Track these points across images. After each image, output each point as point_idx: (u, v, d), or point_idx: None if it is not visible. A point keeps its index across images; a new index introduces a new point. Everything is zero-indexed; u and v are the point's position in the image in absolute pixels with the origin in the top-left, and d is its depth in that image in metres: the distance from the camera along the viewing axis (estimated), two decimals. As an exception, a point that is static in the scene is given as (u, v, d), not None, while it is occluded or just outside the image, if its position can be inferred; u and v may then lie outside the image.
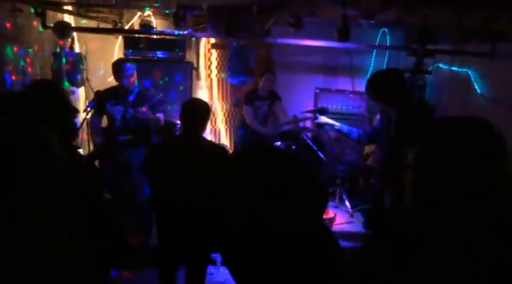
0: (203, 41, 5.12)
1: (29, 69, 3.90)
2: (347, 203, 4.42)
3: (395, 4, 3.02)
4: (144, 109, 3.52)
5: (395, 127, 2.59)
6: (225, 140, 5.43)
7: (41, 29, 3.94)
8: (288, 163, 1.04)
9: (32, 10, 3.78)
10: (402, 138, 2.52)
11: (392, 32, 5.06)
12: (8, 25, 3.52)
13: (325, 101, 5.08)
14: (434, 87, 4.56)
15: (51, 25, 3.89)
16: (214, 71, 5.28)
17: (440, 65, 4.42)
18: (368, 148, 4.95)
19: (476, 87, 3.90)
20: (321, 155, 4.26)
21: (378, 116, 4.76)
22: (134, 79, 3.73)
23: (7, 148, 1.04)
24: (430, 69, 4.35)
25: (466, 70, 4.03)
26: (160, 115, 3.79)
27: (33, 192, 1.09)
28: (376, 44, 5.11)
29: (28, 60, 3.88)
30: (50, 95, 1.92)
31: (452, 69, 4.21)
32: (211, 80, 5.31)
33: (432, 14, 3.55)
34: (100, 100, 3.57)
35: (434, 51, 3.84)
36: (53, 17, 4.16)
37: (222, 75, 5.24)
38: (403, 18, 4.15)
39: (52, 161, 1.11)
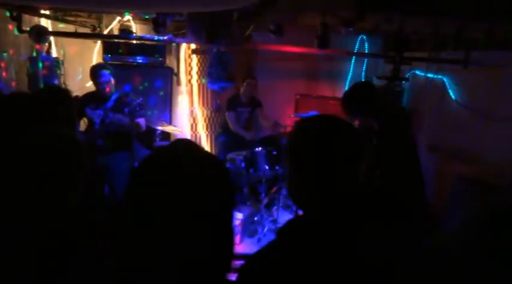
0: (183, 46, 5.11)
1: (4, 74, 3.81)
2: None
3: (374, 14, 3.09)
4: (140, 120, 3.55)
5: (378, 137, 2.63)
6: (206, 146, 5.41)
7: (16, 32, 3.85)
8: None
9: (8, 13, 3.69)
10: (385, 145, 2.60)
11: (370, 39, 5.17)
12: (-19, 29, 3.43)
13: (306, 107, 5.13)
14: (411, 94, 4.66)
15: (27, 29, 3.81)
16: (195, 77, 5.26)
17: (417, 72, 4.53)
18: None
19: (451, 94, 4.01)
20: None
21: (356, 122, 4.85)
22: (111, 85, 3.69)
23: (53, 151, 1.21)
24: (406, 76, 4.46)
25: (442, 77, 4.14)
26: (141, 121, 3.75)
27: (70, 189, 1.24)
28: (355, 51, 5.20)
29: (2, 64, 3.79)
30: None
31: (428, 76, 4.33)
32: (191, 86, 5.29)
33: (408, 22, 3.64)
34: (79, 105, 3.51)
35: (411, 59, 3.94)
36: (29, 20, 4.08)
37: (203, 80, 5.23)
38: (380, 27, 4.25)
39: (83, 162, 1.29)
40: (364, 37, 5.15)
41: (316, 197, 1.09)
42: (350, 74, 5.42)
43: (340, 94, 5.41)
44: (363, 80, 5.19)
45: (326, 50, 3.57)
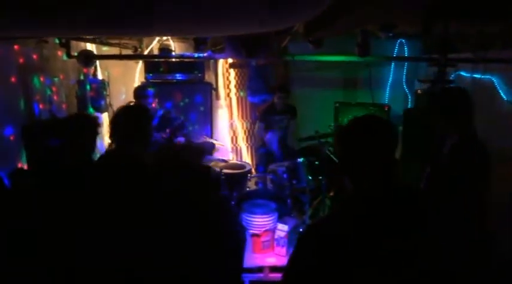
0: (221, 61, 5.20)
1: (55, 98, 4.01)
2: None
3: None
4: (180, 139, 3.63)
5: (451, 156, 2.33)
6: (247, 158, 5.44)
7: (65, 58, 4.06)
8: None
9: (57, 41, 3.90)
10: (455, 170, 2.26)
11: (409, 42, 5.04)
12: (34, 56, 3.64)
13: (345, 115, 5.06)
14: (457, 96, 4.48)
15: (75, 54, 4.01)
16: (233, 90, 5.33)
17: (462, 73, 4.36)
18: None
19: (502, 94, 3.83)
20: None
21: (400, 128, 4.71)
22: (156, 103, 3.80)
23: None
24: (451, 78, 4.30)
25: (490, 77, 3.97)
26: (181, 140, 3.83)
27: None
28: (396, 56, 5.09)
29: (54, 88, 3.99)
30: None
31: (474, 77, 4.15)
32: (230, 99, 5.36)
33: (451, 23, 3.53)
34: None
35: (457, 60, 3.80)
36: (76, 46, 4.29)
37: (241, 93, 5.29)
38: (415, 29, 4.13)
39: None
40: (403, 41, 5.03)
41: (369, 176, 1.25)
42: (390, 79, 5.30)
43: (380, 101, 5.32)
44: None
45: (366, 57, 3.51)
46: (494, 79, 3.92)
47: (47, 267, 1.81)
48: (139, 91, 3.79)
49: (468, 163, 2.23)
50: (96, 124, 2.58)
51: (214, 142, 4.51)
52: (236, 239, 2.08)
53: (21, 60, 3.37)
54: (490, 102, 3.99)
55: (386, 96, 5.41)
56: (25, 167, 3.17)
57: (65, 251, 1.82)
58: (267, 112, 4.78)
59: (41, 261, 1.83)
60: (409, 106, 5.19)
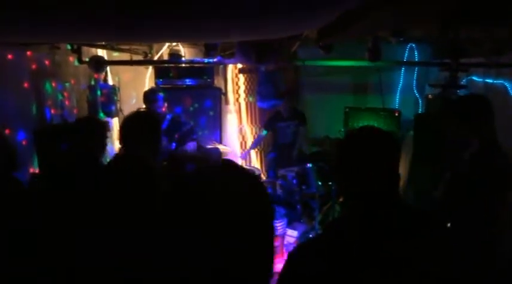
0: (230, 66, 5.21)
1: (67, 103, 4.05)
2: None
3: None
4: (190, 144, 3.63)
5: (472, 161, 2.28)
6: (256, 163, 5.43)
7: (76, 63, 4.10)
8: None
9: (69, 47, 3.95)
10: (476, 174, 2.20)
11: (419, 47, 5.01)
12: (46, 62, 3.68)
13: (356, 120, 5.03)
14: (468, 101, 4.43)
15: (86, 60, 4.05)
16: (243, 95, 5.34)
17: (474, 78, 4.32)
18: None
19: (515, 99, 3.78)
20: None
21: (410, 133, 4.67)
22: (165, 107, 3.82)
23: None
24: (463, 83, 4.26)
25: (502, 82, 3.92)
26: (191, 145, 3.82)
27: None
28: (405, 60, 5.05)
29: (65, 94, 4.04)
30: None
31: (487, 82, 4.11)
32: (239, 104, 5.37)
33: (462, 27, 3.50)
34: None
35: (468, 65, 3.76)
36: (87, 51, 4.34)
37: (250, 98, 5.29)
38: (432, 34, 4.10)
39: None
40: (414, 45, 5.00)
41: (359, 196, 1.25)
42: (400, 84, 5.27)
43: (391, 105, 5.28)
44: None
45: (377, 62, 3.49)
46: (507, 84, 3.87)
47: (47, 267, 1.82)
48: (149, 96, 3.80)
49: (489, 168, 2.20)
50: (104, 127, 2.60)
51: (222, 148, 4.51)
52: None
53: (33, 66, 3.42)
54: (502, 107, 3.93)
55: (396, 101, 5.37)
56: (37, 171, 3.20)
57: (66, 251, 1.84)
58: (273, 120, 4.78)
59: (41, 261, 1.86)
60: (420, 111, 5.15)
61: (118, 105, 4.54)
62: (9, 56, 3.07)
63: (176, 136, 3.70)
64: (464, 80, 4.35)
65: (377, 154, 1.25)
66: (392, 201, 1.24)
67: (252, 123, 5.40)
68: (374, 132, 1.33)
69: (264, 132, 4.93)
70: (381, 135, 1.31)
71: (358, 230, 1.17)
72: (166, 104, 3.82)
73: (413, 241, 1.15)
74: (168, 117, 3.81)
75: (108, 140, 2.80)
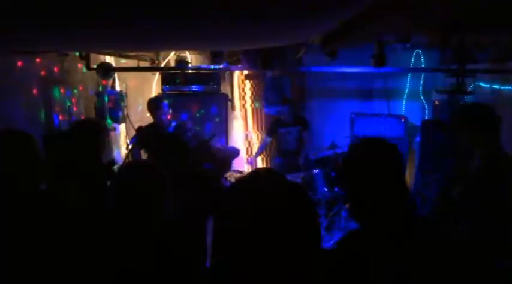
0: (236, 72, 5.23)
1: (75, 109, 4.09)
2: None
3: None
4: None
5: (478, 177, 2.23)
6: (262, 169, 5.43)
7: (84, 70, 4.15)
8: None
9: (77, 54, 4.00)
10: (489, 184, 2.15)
11: (425, 52, 5.00)
12: (55, 69, 3.73)
13: (362, 126, 5.02)
14: (475, 107, 4.40)
15: (94, 66, 4.10)
16: (249, 101, 5.35)
17: (481, 84, 4.29)
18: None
19: (523, 105, 3.75)
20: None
21: (417, 139, 4.65)
22: (170, 114, 3.86)
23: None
24: (470, 89, 4.24)
25: (510, 88, 3.89)
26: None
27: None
28: (412, 67, 5.04)
29: (73, 100, 4.08)
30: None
31: (494, 88, 4.08)
32: (245, 110, 5.38)
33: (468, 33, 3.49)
34: (142, 136, 3.68)
35: (475, 71, 3.74)
36: (95, 58, 4.39)
37: (256, 104, 5.31)
38: (437, 39, 4.09)
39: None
40: (420, 51, 4.99)
41: (371, 211, 1.26)
42: (407, 90, 5.25)
43: (396, 111, 5.27)
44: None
45: (383, 68, 3.49)
46: (515, 90, 3.84)
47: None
48: (153, 103, 3.85)
49: (502, 177, 2.15)
50: (101, 130, 2.61)
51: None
52: None
53: (42, 73, 3.46)
54: (510, 113, 3.90)
55: (403, 107, 5.36)
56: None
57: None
58: (274, 126, 4.78)
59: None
60: (427, 117, 5.13)
61: (125, 111, 4.58)
62: (19, 63, 3.12)
63: None
64: (471, 86, 4.33)
65: (382, 167, 1.26)
66: (402, 212, 1.24)
67: (258, 129, 5.41)
68: (378, 144, 1.34)
69: (268, 138, 4.94)
70: (385, 146, 1.32)
71: (372, 244, 1.18)
72: (171, 111, 3.85)
73: (424, 251, 1.15)
74: (173, 124, 3.84)
75: (106, 143, 2.81)
